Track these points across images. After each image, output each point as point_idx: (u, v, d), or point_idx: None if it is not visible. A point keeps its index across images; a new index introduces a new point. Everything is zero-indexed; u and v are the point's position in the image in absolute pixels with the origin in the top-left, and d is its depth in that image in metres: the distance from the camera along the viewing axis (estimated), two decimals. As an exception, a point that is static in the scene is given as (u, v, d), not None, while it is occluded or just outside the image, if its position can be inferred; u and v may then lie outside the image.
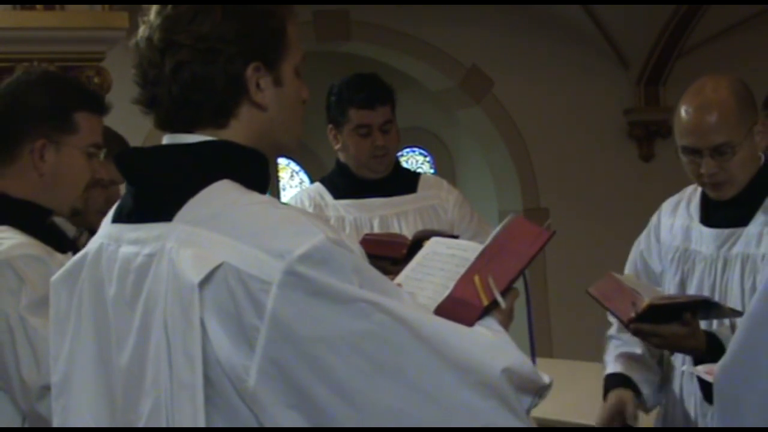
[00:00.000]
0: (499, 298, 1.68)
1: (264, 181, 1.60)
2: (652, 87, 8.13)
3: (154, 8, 1.57)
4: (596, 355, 3.19)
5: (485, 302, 1.67)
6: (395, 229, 3.45)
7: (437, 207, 3.54)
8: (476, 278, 1.70)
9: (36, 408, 2.07)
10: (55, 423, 1.68)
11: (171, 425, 1.45)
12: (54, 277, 1.71)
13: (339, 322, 1.39)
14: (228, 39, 1.54)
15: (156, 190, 1.57)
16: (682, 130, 2.65)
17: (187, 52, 1.53)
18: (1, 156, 2.28)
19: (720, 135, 2.58)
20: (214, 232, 1.46)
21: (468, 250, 1.83)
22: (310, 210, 3.46)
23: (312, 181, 8.16)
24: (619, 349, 2.82)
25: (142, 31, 1.58)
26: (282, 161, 8.90)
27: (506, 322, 1.68)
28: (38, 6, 4.50)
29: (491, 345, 1.51)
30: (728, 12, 7.73)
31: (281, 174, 9.01)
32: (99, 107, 2.33)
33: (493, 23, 7.58)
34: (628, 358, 2.78)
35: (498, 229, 1.82)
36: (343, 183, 3.49)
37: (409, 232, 3.37)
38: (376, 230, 3.43)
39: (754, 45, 7.88)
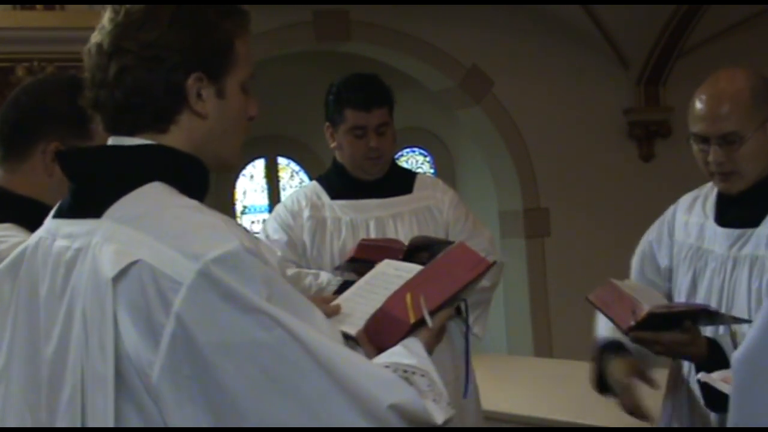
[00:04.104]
0: (427, 317, 1.71)
1: (201, 187, 1.65)
2: (652, 87, 8.13)
3: (107, 15, 1.65)
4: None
5: (412, 319, 1.71)
6: (391, 229, 3.45)
7: (432, 208, 3.54)
8: (408, 296, 1.74)
9: None
10: None
11: (85, 414, 1.50)
12: None
13: (240, 330, 1.43)
14: (172, 48, 1.59)
15: (90, 188, 1.63)
16: (693, 117, 2.66)
17: (132, 58, 1.60)
18: (15, 152, 2.29)
19: (729, 123, 2.58)
20: (138, 230, 1.51)
21: (414, 273, 1.85)
22: (307, 209, 3.47)
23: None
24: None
25: (94, 36, 1.66)
26: (282, 161, 8.90)
27: (432, 342, 1.73)
28: (38, 6, 4.50)
29: (385, 380, 1.54)
30: (728, 12, 7.73)
31: (281, 174, 9.00)
32: None
33: (493, 23, 7.58)
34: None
35: (441, 253, 1.84)
36: (339, 183, 3.50)
37: (404, 234, 3.38)
38: (372, 231, 3.43)
39: (754, 45, 7.88)
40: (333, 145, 3.48)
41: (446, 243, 3.22)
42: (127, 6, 1.63)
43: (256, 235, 3.35)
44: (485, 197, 8.11)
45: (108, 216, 1.55)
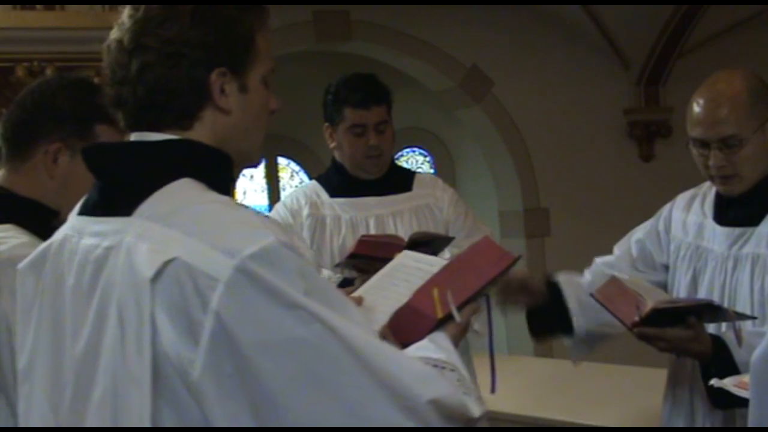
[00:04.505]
0: (455, 313, 1.71)
1: (226, 182, 1.64)
2: (652, 87, 8.13)
3: (127, 12, 1.62)
4: (596, 355, 3.19)
5: (440, 315, 1.71)
6: (391, 228, 3.46)
7: (432, 206, 3.55)
8: (434, 290, 1.74)
9: None
10: (20, 410, 1.71)
11: (117, 415, 1.49)
12: (20, 265, 1.74)
13: (279, 326, 1.42)
14: (194, 44, 1.58)
15: (119, 185, 1.60)
16: (692, 121, 2.65)
17: (153, 54, 1.57)
18: (18, 151, 2.29)
19: (728, 127, 2.58)
20: (171, 228, 1.49)
21: (434, 265, 1.86)
22: (306, 207, 3.48)
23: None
24: (592, 274, 2.87)
25: (114, 33, 1.63)
26: (282, 161, 8.90)
27: (458, 337, 1.72)
28: (38, 6, 4.50)
29: (424, 374, 1.53)
30: (728, 12, 7.73)
31: (281, 174, 9.01)
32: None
33: (493, 23, 7.58)
34: (575, 282, 2.85)
35: (466, 247, 1.84)
36: (338, 181, 3.51)
37: (404, 231, 3.38)
38: (372, 229, 3.44)
39: (754, 45, 7.88)
40: (332, 145, 3.48)
41: (446, 238, 3.23)
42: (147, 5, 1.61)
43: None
44: (485, 197, 8.11)
45: (139, 214, 1.53)
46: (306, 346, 1.42)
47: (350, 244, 3.28)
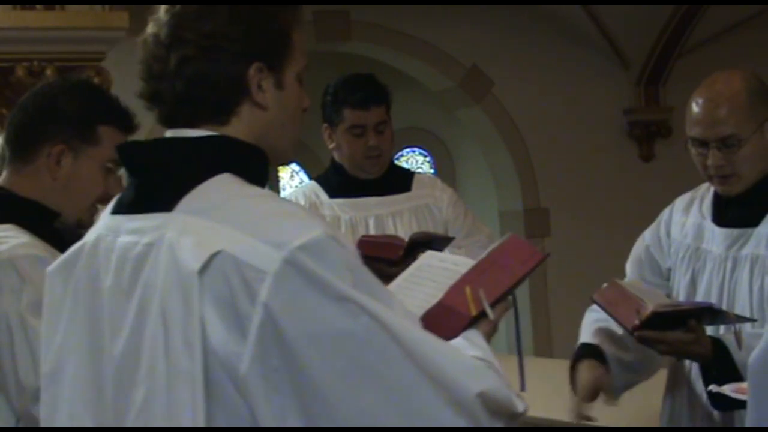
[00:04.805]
0: (488, 310, 1.70)
1: (263, 179, 1.62)
2: (652, 87, 8.13)
3: (164, 6, 1.60)
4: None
5: (473, 312, 1.70)
6: (390, 228, 3.46)
7: (431, 206, 3.55)
8: (467, 288, 1.73)
9: (31, 410, 2.05)
10: (42, 413, 1.69)
11: (167, 413, 1.46)
12: (50, 267, 1.71)
13: (327, 318, 1.41)
14: (233, 38, 1.56)
15: (157, 182, 1.58)
16: (691, 121, 2.65)
17: (192, 48, 1.56)
18: (21, 154, 2.29)
19: (727, 127, 2.58)
20: (214, 221, 1.48)
21: (460, 265, 1.85)
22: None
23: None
24: (597, 323, 2.80)
25: (150, 27, 1.61)
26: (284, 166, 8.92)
27: (490, 335, 1.71)
28: (38, 6, 4.50)
29: (472, 367, 1.52)
30: (728, 12, 7.73)
31: (281, 174, 9.01)
32: (126, 125, 2.33)
33: (493, 23, 7.58)
34: (605, 333, 2.77)
35: (494, 245, 1.85)
36: (338, 182, 3.51)
37: (404, 232, 3.38)
38: (372, 229, 3.44)
39: (754, 45, 7.88)
40: (331, 145, 3.48)
41: (446, 238, 3.23)
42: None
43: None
44: (485, 197, 8.11)
45: (180, 209, 1.51)
46: (354, 338, 1.41)
47: (350, 245, 3.28)
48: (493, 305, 1.72)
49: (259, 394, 1.41)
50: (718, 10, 7.63)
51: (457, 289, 1.75)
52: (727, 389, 2.32)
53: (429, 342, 1.49)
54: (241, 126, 1.59)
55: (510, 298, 1.80)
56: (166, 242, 1.49)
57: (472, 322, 1.70)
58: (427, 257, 1.97)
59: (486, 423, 1.49)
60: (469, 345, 1.64)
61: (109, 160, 2.29)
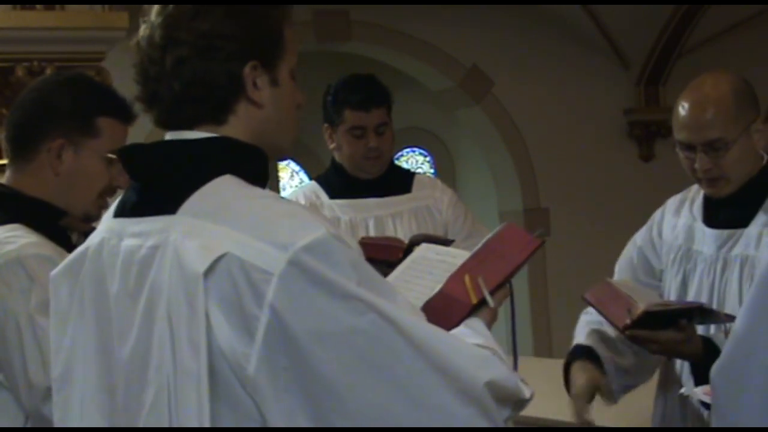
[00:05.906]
0: (488, 297, 1.73)
1: (263, 178, 1.63)
2: (652, 87, 8.13)
3: (156, 8, 1.60)
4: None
5: (474, 301, 1.73)
6: (390, 229, 3.46)
7: (431, 207, 3.55)
8: (467, 277, 1.76)
9: (40, 409, 2.06)
10: (56, 417, 1.70)
11: (174, 414, 1.47)
12: (54, 272, 1.72)
13: (334, 317, 1.42)
14: (227, 37, 1.57)
15: (160, 184, 1.59)
16: (678, 125, 2.66)
17: (188, 48, 1.56)
18: (21, 152, 2.29)
19: (713, 131, 2.58)
20: (218, 224, 1.49)
21: (457, 257, 1.88)
22: None
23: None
24: (591, 325, 2.81)
25: (143, 30, 1.61)
26: (282, 161, 8.91)
27: (491, 322, 1.74)
28: (38, 6, 4.50)
29: (478, 357, 1.54)
30: (728, 12, 7.73)
31: (281, 174, 9.02)
32: (125, 115, 2.32)
33: (493, 23, 7.58)
34: (599, 335, 2.77)
35: (491, 233, 1.86)
36: (338, 182, 3.51)
37: (403, 233, 3.38)
38: (372, 230, 3.44)
39: (754, 45, 7.88)
40: (332, 146, 3.49)
41: (446, 241, 3.23)
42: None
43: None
44: (485, 197, 8.11)
45: (184, 211, 1.52)
46: (362, 335, 1.43)
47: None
48: (492, 293, 1.74)
49: (268, 394, 1.42)
50: (718, 10, 7.63)
51: (456, 278, 1.78)
52: (699, 392, 2.33)
53: (435, 335, 1.50)
54: (238, 125, 1.60)
55: (508, 285, 1.82)
56: (171, 245, 1.50)
57: (473, 311, 1.72)
58: (423, 250, 1.98)
59: (494, 411, 1.51)
60: (471, 333, 1.66)
61: (110, 151, 2.28)
